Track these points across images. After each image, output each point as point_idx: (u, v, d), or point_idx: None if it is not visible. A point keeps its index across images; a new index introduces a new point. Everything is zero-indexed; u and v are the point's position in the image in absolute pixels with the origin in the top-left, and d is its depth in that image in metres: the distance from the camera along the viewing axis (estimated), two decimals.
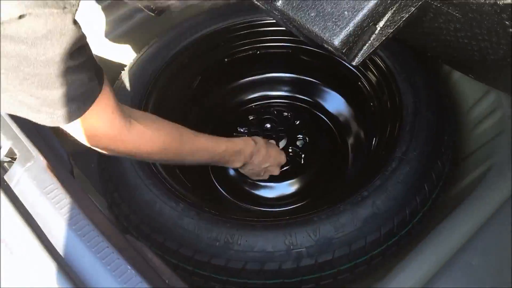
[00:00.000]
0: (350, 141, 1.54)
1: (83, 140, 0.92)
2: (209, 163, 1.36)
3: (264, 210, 1.45)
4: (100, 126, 0.91)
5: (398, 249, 1.16)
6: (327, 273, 1.12)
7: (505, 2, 0.68)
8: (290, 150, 1.49)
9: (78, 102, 0.81)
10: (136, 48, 1.65)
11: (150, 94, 1.43)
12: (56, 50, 0.73)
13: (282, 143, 1.50)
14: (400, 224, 1.14)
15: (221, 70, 1.62)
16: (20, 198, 0.80)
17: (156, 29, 1.65)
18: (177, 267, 1.16)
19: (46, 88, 0.76)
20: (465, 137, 1.38)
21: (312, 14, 0.94)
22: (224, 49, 1.60)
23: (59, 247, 0.74)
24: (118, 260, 0.71)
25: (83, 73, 0.80)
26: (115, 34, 1.62)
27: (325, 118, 1.59)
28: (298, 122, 1.54)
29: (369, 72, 1.43)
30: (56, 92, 0.77)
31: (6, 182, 0.83)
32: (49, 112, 0.78)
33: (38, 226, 0.76)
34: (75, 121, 0.83)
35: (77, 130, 0.88)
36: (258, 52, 1.61)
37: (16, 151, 0.85)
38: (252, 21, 1.57)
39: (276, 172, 1.47)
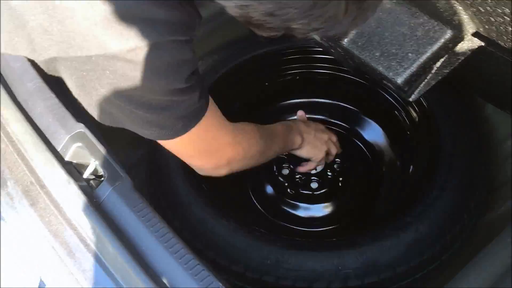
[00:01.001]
0: (385, 168, 1.61)
1: (208, 158, 1.04)
2: (283, 150, 1.37)
3: (307, 230, 1.51)
4: (220, 134, 1.00)
5: (439, 273, 1.23)
6: None
7: None
8: (329, 173, 1.56)
9: (185, 120, 0.86)
10: None
11: None
12: (176, 79, 0.78)
13: (320, 166, 1.57)
14: (441, 249, 1.21)
15: (261, 94, 1.70)
16: (110, 216, 0.86)
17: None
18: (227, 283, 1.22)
19: (158, 111, 0.81)
20: (498, 168, 1.45)
21: (377, 54, 1.02)
22: (266, 74, 1.68)
23: (152, 262, 0.80)
24: (209, 276, 0.77)
25: (193, 94, 0.84)
26: None
27: (361, 145, 1.66)
28: None
29: (407, 104, 1.50)
30: (167, 114, 0.82)
31: (95, 199, 0.89)
32: (157, 130, 0.85)
33: (130, 243, 0.83)
34: (197, 140, 0.92)
35: (202, 149, 0.98)
36: (298, 77, 1.69)
37: (104, 170, 0.92)
38: (292, 47, 1.65)
39: (334, 138, 1.50)
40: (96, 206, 0.87)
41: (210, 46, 1.75)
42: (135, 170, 1.57)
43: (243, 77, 1.66)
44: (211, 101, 0.94)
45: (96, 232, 0.85)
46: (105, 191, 0.89)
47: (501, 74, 1.09)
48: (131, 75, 0.75)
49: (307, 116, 1.58)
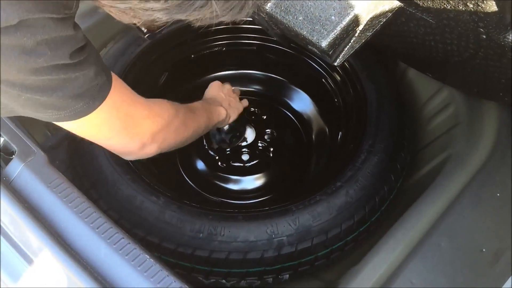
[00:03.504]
0: (314, 136, 1.62)
1: (128, 136, 0.96)
2: (210, 122, 1.32)
3: (240, 203, 1.49)
4: (134, 109, 0.94)
5: (369, 235, 1.25)
6: (306, 260, 1.19)
7: (485, 11, 0.77)
8: (259, 145, 1.55)
9: (85, 99, 0.80)
10: (100, 44, 1.63)
11: None
12: (57, 55, 0.72)
13: (251, 137, 1.55)
14: (371, 211, 1.23)
15: (187, 66, 1.64)
16: (23, 194, 0.79)
17: (120, 25, 1.64)
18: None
19: (48, 92, 0.75)
20: (422, 129, 1.50)
21: (300, 18, 1.00)
22: (191, 46, 1.62)
23: (72, 240, 0.75)
24: (135, 250, 0.73)
25: (85, 70, 0.78)
26: None
27: (290, 115, 1.65)
28: (265, 117, 1.60)
29: (333, 71, 1.51)
30: (59, 93, 0.76)
31: (5, 177, 0.81)
32: (54, 112, 0.78)
33: (46, 221, 0.76)
34: (109, 119, 0.86)
35: (118, 128, 0.91)
36: (224, 49, 1.65)
37: (14, 146, 0.84)
38: None
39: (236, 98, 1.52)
40: (6, 185, 0.80)
41: None
42: (56, 151, 1.48)
43: (168, 49, 1.60)
44: (115, 77, 0.89)
45: (8, 212, 0.78)
46: (16, 168, 0.82)
47: (422, 35, 1.11)
48: (5, 57, 0.68)
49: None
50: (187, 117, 1.17)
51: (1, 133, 0.86)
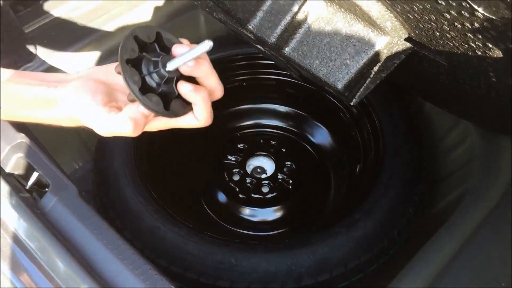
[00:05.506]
0: (333, 168, 1.65)
1: None
2: None
3: (260, 234, 1.51)
4: None
5: (388, 268, 1.27)
6: None
7: (493, 57, 0.80)
8: (279, 177, 1.58)
9: None
10: None
11: None
12: None
13: (270, 169, 1.59)
14: (390, 243, 1.24)
15: None
16: (56, 226, 0.84)
17: None
18: None
19: None
20: (439, 163, 1.51)
21: (317, 62, 1.05)
22: None
23: (102, 272, 0.78)
24: (161, 281, 0.76)
25: None
26: None
27: (309, 147, 1.69)
28: (284, 150, 1.64)
29: (351, 106, 1.55)
30: None
31: (39, 210, 0.86)
32: None
33: (78, 253, 0.81)
34: None
35: None
36: (245, 84, 1.71)
37: (48, 180, 0.89)
38: (238, 54, 1.67)
39: None
40: (41, 218, 0.85)
41: None
42: (82, 183, 1.54)
43: None
44: None
45: (42, 244, 0.82)
46: (50, 201, 0.87)
47: (436, 75, 1.14)
48: None
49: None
50: None
51: (36, 168, 0.91)
